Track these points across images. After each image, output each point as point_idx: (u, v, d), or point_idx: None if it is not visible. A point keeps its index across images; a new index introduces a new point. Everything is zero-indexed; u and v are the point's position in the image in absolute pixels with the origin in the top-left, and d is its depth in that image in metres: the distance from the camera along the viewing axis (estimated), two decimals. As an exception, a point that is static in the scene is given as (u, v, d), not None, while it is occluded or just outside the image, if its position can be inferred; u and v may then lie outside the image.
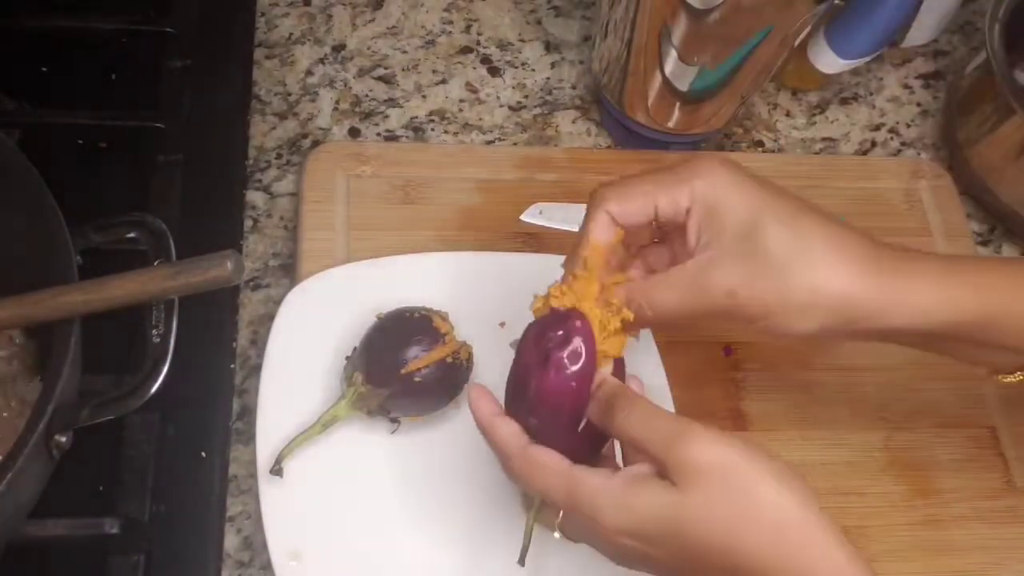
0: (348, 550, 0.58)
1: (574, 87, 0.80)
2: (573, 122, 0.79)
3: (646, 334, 0.64)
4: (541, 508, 0.49)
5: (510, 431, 0.48)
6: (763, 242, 0.47)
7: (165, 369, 0.52)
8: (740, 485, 0.42)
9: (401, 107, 0.77)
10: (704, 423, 0.44)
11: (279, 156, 0.74)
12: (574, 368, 0.47)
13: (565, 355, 0.47)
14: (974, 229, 0.78)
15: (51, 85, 0.73)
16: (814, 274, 0.47)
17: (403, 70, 0.79)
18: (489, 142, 0.77)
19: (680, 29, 0.64)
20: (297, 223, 0.69)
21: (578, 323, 0.48)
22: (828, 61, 0.75)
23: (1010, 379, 0.53)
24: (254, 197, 0.72)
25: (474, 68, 0.80)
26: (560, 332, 0.48)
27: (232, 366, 0.65)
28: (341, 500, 0.59)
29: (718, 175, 0.49)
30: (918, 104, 0.84)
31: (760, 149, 0.80)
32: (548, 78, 0.80)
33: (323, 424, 0.58)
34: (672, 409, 0.63)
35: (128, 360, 0.57)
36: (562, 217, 0.71)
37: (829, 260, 0.48)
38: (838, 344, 0.52)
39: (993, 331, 0.49)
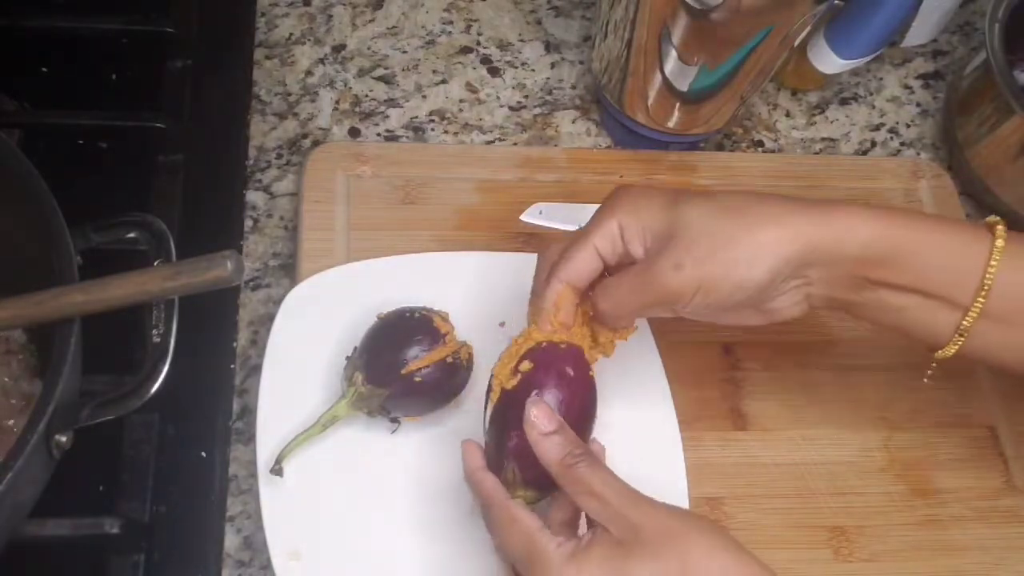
0: (348, 550, 0.58)
1: (574, 87, 0.80)
2: (573, 122, 0.79)
3: (646, 335, 0.64)
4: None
5: (495, 482, 0.52)
6: (688, 223, 0.52)
7: (165, 369, 0.52)
8: (688, 549, 0.46)
9: (401, 107, 0.77)
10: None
11: (279, 156, 0.74)
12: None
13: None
14: (974, 229, 0.78)
15: (51, 85, 0.73)
16: (748, 227, 0.51)
17: (403, 70, 0.79)
18: (489, 142, 0.77)
19: (680, 29, 0.64)
20: (297, 223, 0.69)
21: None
22: (828, 61, 0.76)
23: (946, 351, 0.54)
24: (254, 197, 0.72)
25: (474, 68, 0.80)
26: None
27: (232, 366, 0.65)
28: (341, 500, 0.59)
29: (631, 196, 0.54)
30: (918, 104, 0.84)
31: (760, 149, 0.80)
32: (548, 78, 0.80)
33: (323, 424, 0.58)
34: (672, 409, 0.63)
35: (128, 360, 0.57)
36: (562, 217, 0.71)
37: (758, 211, 0.52)
38: (794, 304, 0.54)
39: (900, 262, 0.52)
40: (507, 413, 0.53)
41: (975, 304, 0.51)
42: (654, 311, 0.55)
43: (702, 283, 0.51)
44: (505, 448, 0.52)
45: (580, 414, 0.53)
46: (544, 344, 0.54)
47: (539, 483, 0.52)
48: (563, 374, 0.53)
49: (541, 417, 0.51)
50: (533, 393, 0.52)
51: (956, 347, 0.53)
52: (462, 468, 0.54)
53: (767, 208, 0.52)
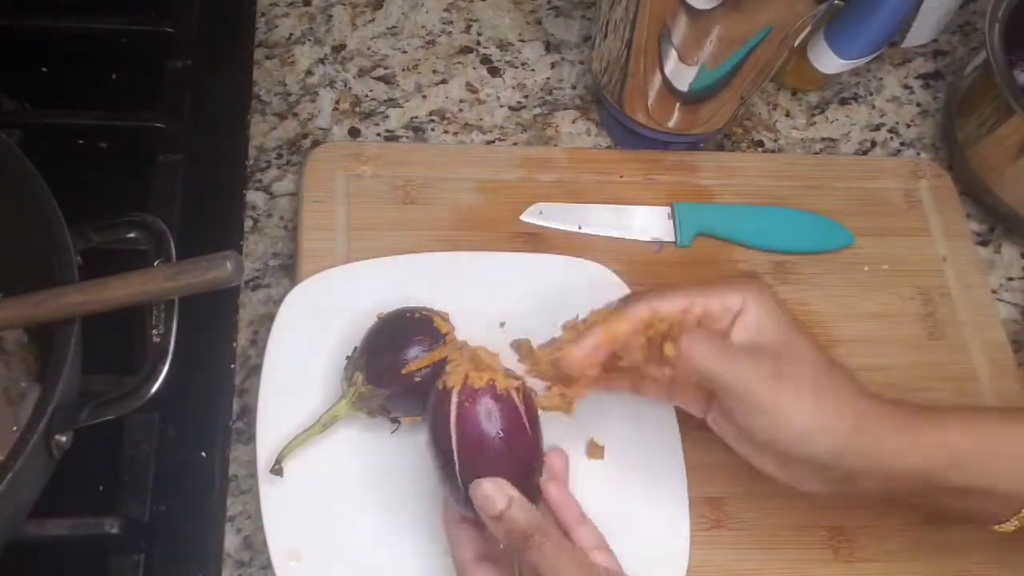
0: (348, 550, 0.58)
1: (574, 87, 0.80)
2: (573, 122, 0.79)
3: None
4: None
5: (467, 538, 0.52)
6: (801, 349, 0.52)
7: (165, 369, 0.52)
8: None
9: (401, 107, 0.77)
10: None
11: (279, 156, 0.74)
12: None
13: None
14: (974, 229, 0.78)
15: (51, 85, 0.73)
16: (858, 408, 0.51)
17: (403, 70, 0.79)
18: (489, 142, 0.77)
19: (680, 29, 0.64)
20: (297, 223, 0.69)
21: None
22: (828, 61, 0.76)
23: (1005, 527, 0.53)
24: (254, 197, 0.72)
25: (474, 68, 0.80)
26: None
27: (232, 366, 0.65)
28: (341, 500, 0.59)
29: (766, 293, 0.53)
30: (918, 104, 0.84)
31: (760, 149, 0.80)
32: (548, 78, 0.80)
33: (323, 424, 0.58)
34: (672, 409, 0.63)
35: (128, 360, 0.57)
36: (562, 217, 0.71)
37: (827, 406, 0.51)
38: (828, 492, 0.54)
39: (960, 474, 0.51)
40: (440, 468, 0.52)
41: None
42: (704, 370, 0.51)
43: (771, 398, 0.50)
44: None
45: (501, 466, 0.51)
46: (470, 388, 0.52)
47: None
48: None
49: (487, 500, 0.49)
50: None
51: (1015, 526, 0.52)
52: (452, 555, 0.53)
53: (842, 391, 0.52)
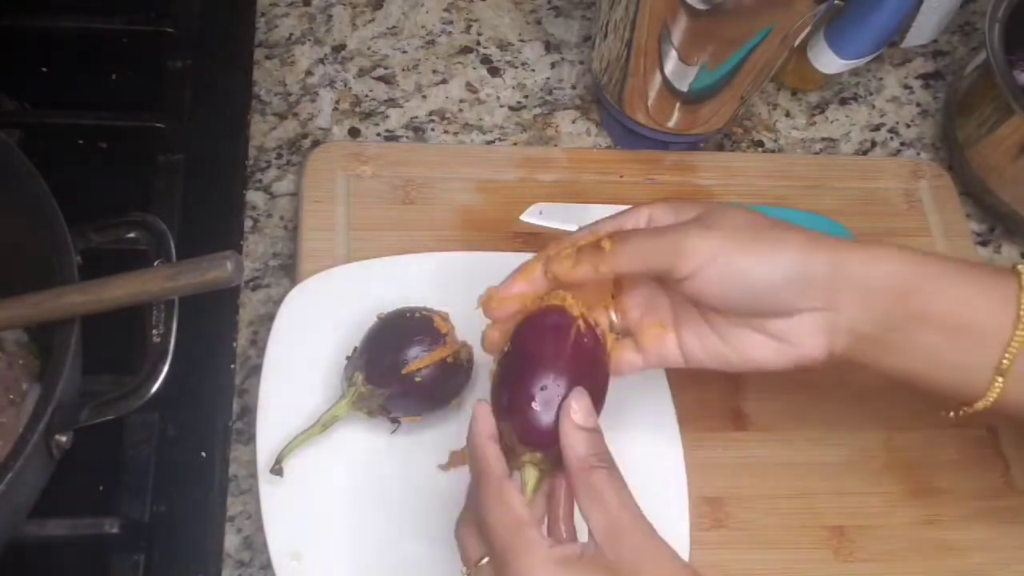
0: (348, 550, 0.58)
1: (574, 87, 0.80)
2: (573, 122, 0.79)
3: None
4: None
5: (497, 456, 0.49)
6: (731, 213, 0.52)
7: (165, 369, 0.52)
8: None
9: (401, 107, 0.77)
10: None
11: (279, 156, 0.74)
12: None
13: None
14: (974, 229, 0.78)
15: (51, 85, 0.73)
16: (786, 229, 0.51)
17: (403, 70, 0.79)
18: (489, 142, 0.77)
19: (680, 29, 0.64)
20: (297, 223, 0.69)
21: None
22: (828, 61, 0.76)
23: (984, 402, 0.51)
24: (254, 197, 0.72)
25: (474, 68, 0.80)
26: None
27: (232, 366, 0.65)
28: (341, 500, 0.59)
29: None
30: (918, 104, 0.84)
31: (760, 149, 0.80)
32: (548, 78, 0.80)
33: (323, 424, 0.58)
34: (672, 409, 0.63)
35: (128, 360, 0.57)
36: (562, 217, 0.71)
37: (799, 229, 0.52)
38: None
39: (934, 290, 0.51)
40: (502, 373, 0.51)
41: (1015, 336, 0.49)
42: (656, 263, 0.51)
43: (719, 251, 0.50)
44: (499, 407, 0.50)
45: (580, 378, 0.50)
46: (546, 308, 0.52)
47: (538, 442, 0.49)
48: (558, 341, 0.50)
49: (580, 410, 0.48)
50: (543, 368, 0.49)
51: (996, 392, 0.50)
52: (468, 432, 0.50)
53: (806, 231, 0.52)
